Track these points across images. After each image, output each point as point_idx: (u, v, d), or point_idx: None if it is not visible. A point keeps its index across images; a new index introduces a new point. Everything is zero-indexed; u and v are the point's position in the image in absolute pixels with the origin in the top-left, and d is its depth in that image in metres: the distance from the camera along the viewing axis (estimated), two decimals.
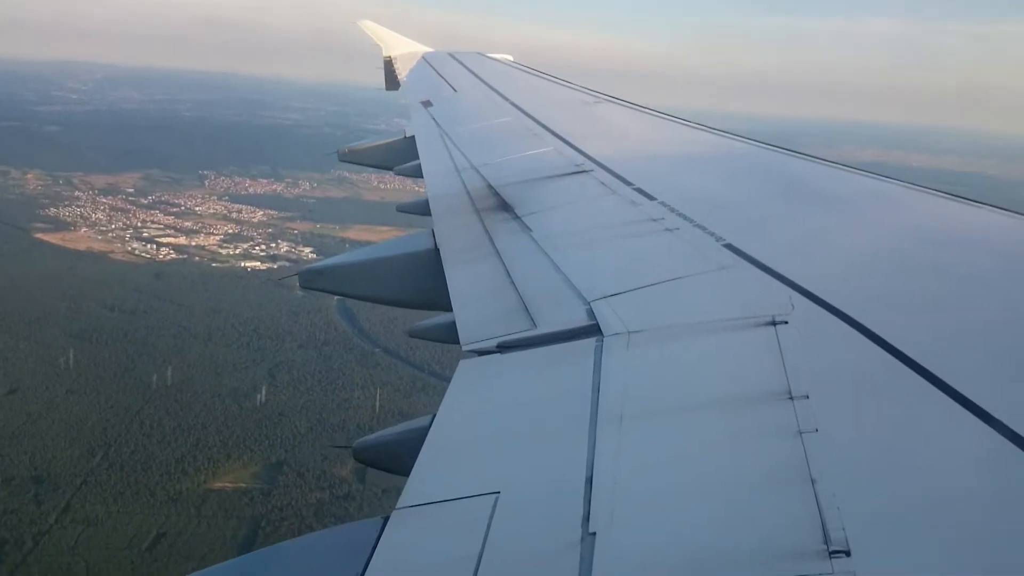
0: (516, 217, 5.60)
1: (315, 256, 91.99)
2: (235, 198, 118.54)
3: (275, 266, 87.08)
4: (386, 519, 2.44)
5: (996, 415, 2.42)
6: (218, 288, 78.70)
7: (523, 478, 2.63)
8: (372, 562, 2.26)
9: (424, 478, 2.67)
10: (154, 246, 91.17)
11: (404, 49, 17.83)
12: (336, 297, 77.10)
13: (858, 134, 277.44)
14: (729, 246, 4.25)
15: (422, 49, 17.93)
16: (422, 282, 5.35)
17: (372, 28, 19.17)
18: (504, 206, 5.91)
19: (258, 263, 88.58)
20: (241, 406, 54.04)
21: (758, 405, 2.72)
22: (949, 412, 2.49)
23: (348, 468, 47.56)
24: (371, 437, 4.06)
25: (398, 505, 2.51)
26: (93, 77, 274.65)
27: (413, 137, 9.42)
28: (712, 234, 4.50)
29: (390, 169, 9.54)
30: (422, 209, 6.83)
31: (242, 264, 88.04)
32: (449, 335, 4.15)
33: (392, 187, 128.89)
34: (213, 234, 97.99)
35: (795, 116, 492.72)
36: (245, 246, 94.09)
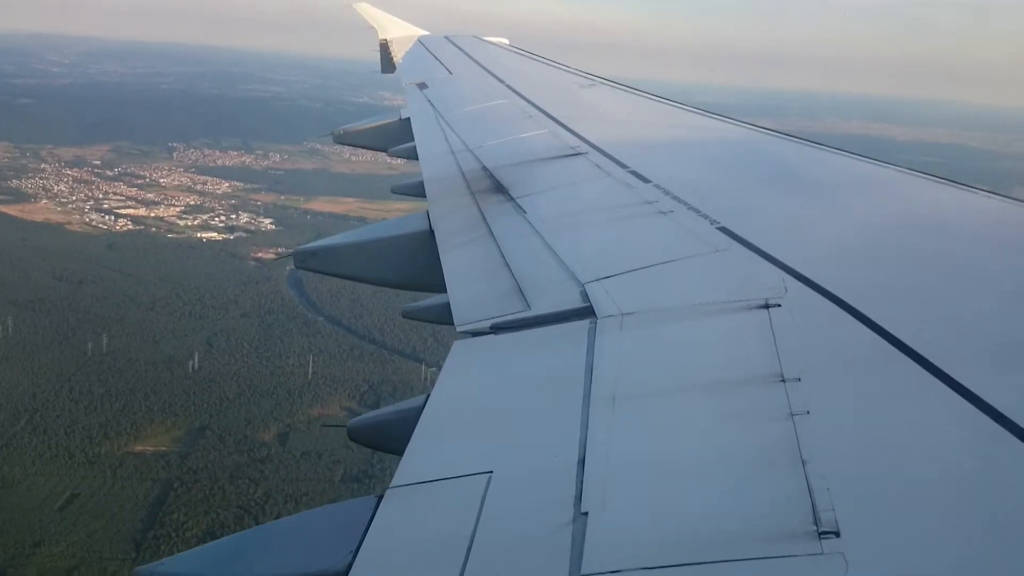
0: (511, 199, 5.58)
1: (274, 227, 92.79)
2: (202, 170, 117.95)
3: (231, 237, 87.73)
4: (380, 498, 2.47)
5: (986, 399, 2.45)
6: (170, 258, 78.51)
7: (516, 458, 2.64)
8: (366, 540, 2.30)
9: (418, 457, 2.69)
10: (112, 217, 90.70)
11: (400, 32, 17.77)
12: (288, 268, 78.03)
13: (844, 106, 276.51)
14: (723, 229, 4.26)
15: (418, 32, 17.92)
16: (417, 263, 5.36)
17: (368, 11, 18.98)
18: (499, 188, 5.89)
19: (215, 234, 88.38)
20: (173, 373, 54.72)
21: (750, 387, 2.74)
22: (940, 396, 2.51)
23: (271, 433, 48.46)
24: (365, 417, 4.09)
25: (392, 484, 2.53)
26: (77, 50, 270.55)
27: (408, 119, 9.43)
28: (706, 217, 4.51)
29: (385, 150, 9.61)
30: (417, 191, 6.86)
31: (198, 235, 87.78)
32: (443, 316, 4.17)
33: (364, 159, 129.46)
34: (174, 205, 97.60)
35: (781, 87, 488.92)
36: (204, 217, 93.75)
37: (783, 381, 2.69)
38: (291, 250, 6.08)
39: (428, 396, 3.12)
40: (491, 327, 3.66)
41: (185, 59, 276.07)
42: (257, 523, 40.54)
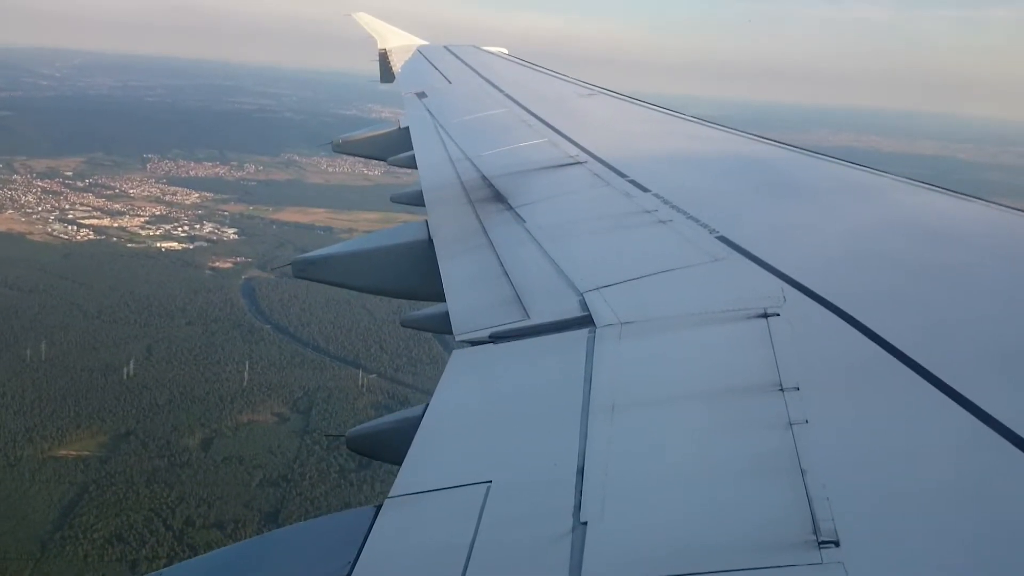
0: (510, 208, 5.60)
1: (237, 237, 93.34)
2: (173, 181, 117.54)
3: (191, 246, 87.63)
4: (378, 508, 2.46)
5: (985, 408, 2.46)
6: (125, 267, 78.11)
7: (515, 468, 2.65)
8: (364, 550, 2.29)
9: (417, 467, 2.69)
10: (74, 227, 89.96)
11: (399, 42, 17.86)
12: (243, 276, 78.64)
13: (833, 118, 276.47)
14: (722, 238, 4.28)
15: (417, 42, 18.02)
16: (415, 272, 5.37)
17: (367, 20, 19.14)
18: (498, 197, 5.92)
19: (175, 243, 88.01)
20: (107, 379, 54.68)
21: (749, 396, 2.76)
22: (938, 405, 2.52)
23: (196, 439, 48.82)
24: (364, 426, 4.07)
25: (391, 494, 2.52)
26: (70, 64, 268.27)
27: (407, 128, 9.44)
28: (705, 226, 4.52)
29: (384, 160, 9.61)
30: (416, 200, 6.88)
31: (158, 245, 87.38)
32: (442, 325, 4.19)
33: (339, 171, 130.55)
34: (139, 216, 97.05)
35: (770, 100, 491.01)
36: (168, 227, 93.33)
37: (782, 390, 2.70)
38: (289, 261, 6.05)
39: (427, 405, 3.13)
40: (490, 336, 3.66)
41: (178, 72, 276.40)
42: (166, 526, 41.07)
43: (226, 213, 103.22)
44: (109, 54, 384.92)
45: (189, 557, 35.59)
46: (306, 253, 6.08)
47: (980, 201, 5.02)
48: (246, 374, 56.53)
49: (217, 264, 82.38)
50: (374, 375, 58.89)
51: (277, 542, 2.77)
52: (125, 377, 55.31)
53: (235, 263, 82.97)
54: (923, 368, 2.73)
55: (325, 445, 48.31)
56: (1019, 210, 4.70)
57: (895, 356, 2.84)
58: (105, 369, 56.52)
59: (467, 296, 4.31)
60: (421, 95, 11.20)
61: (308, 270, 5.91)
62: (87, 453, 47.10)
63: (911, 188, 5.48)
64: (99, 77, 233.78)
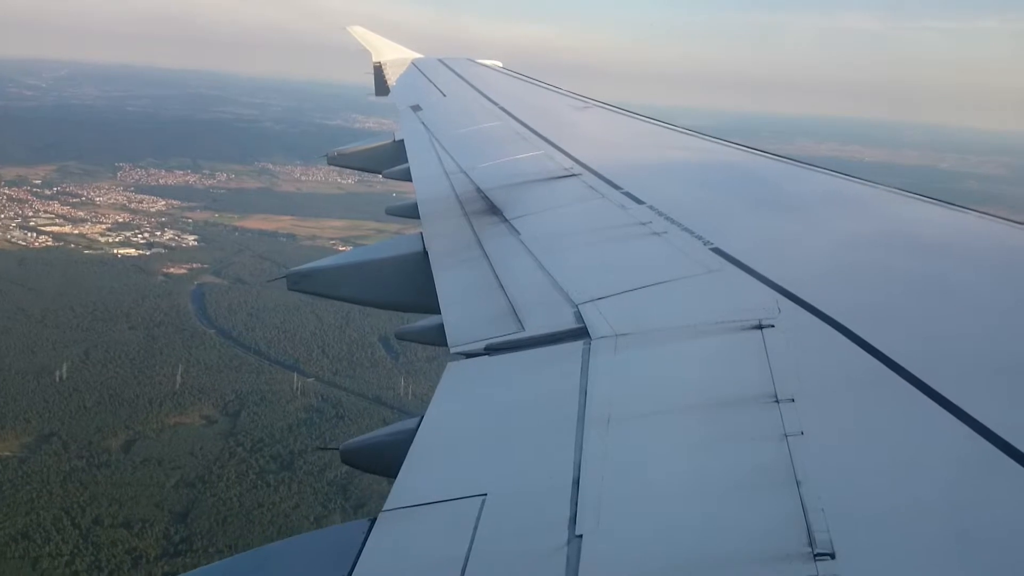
0: (504, 220, 5.63)
1: (196, 244, 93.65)
2: (141, 189, 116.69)
3: (148, 253, 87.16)
4: (373, 521, 2.44)
5: (980, 419, 2.45)
6: (77, 273, 77.06)
7: (510, 480, 2.64)
8: (359, 564, 2.27)
9: (411, 480, 2.68)
10: (34, 234, 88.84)
11: (394, 55, 17.94)
12: (195, 283, 79.10)
13: (817, 128, 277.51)
14: (716, 250, 4.29)
15: (412, 55, 18.13)
16: (410, 285, 5.36)
17: (361, 34, 19.19)
18: (493, 209, 5.94)
19: (132, 250, 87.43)
20: (39, 382, 54.32)
21: (744, 408, 2.75)
22: (934, 416, 2.52)
23: (118, 440, 49.00)
24: (358, 440, 4.02)
25: (385, 507, 2.50)
26: (56, 74, 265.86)
27: (402, 141, 9.47)
28: (699, 238, 4.53)
29: (379, 172, 9.63)
30: (411, 212, 6.89)
31: (115, 251, 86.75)
32: (437, 337, 4.18)
33: (313, 179, 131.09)
34: (101, 223, 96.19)
35: (757, 111, 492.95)
36: (128, 234, 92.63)
37: (777, 402, 2.71)
38: (283, 273, 6.02)
39: (422, 418, 3.11)
40: (485, 348, 3.66)
41: (165, 83, 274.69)
42: (73, 525, 41.28)
43: (189, 220, 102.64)
44: (98, 64, 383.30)
45: (92, 555, 35.65)
46: (300, 266, 6.06)
47: (973, 212, 5.04)
48: (179, 377, 56.80)
49: (171, 270, 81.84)
50: (311, 379, 59.24)
51: (269, 556, 2.69)
52: (58, 380, 55.41)
53: (190, 269, 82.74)
54: (918, 379, 2.74)
55: (248, 447, 48.74)
56: (1012, 221, 4.71)
57: (890, 367, 2.85)
58: (39, 372, 56.12)
59: (462, 308, 4.31)
60: (416, 108, 11.24)
61: (302, 283, 5.88)
62: (8, 454, 47.08)
63: (903, 199, 5.50)
64: (84, 87, 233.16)
